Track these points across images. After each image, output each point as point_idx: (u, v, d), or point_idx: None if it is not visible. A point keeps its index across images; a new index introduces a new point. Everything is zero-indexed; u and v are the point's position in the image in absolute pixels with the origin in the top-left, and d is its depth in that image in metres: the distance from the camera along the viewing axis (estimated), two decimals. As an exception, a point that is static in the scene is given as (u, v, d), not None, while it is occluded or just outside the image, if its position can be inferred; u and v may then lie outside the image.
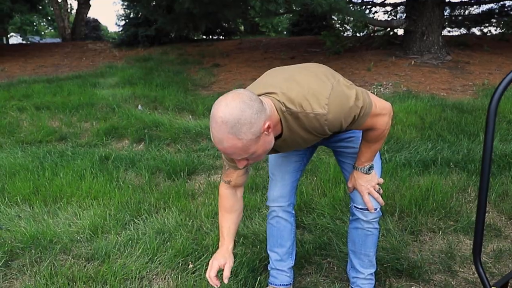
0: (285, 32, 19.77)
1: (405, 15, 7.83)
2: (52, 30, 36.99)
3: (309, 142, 1.45)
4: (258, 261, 2.12)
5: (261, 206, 2.76)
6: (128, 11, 12.54)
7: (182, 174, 3.40)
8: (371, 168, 1.63)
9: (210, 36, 13.94)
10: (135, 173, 3.53)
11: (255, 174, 3.37)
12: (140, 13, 11.51)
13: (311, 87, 1.31)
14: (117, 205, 2.84)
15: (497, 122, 4.24)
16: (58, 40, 21.95)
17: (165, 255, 2.23)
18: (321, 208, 2.68)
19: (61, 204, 2.89)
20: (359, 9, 7.63)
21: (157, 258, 2.21)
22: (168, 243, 2.35)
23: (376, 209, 1.67)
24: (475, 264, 1.07)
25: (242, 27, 18.61)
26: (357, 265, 1.85)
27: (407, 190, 2.90)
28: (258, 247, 2.27)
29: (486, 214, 2.63)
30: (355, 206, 1.72)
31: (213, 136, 1.20)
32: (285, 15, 14.05)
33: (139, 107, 5.60)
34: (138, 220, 2.66)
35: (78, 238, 2.46)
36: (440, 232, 2.43)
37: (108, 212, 2.72)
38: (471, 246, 2.30)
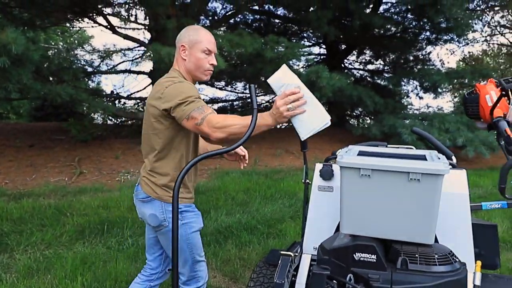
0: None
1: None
2: None
3: None
4: None
5: None
6: None
7: None
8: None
9: None
10: None
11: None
12: None
13: None
14: None
15: (224, 199, 4.98)
16: None
17: None
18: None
19: None
20: (104, 101, 7.80)
21: None
22: None
23: None
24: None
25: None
26: None
27: (148, 271, 2.98)
28: None
29: (214, 279, 2.98)
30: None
31: (209, 35, 1.93)
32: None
33: None
34: None
35: None
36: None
37: None
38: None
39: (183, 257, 1.88)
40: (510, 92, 2.09)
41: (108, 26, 8.05)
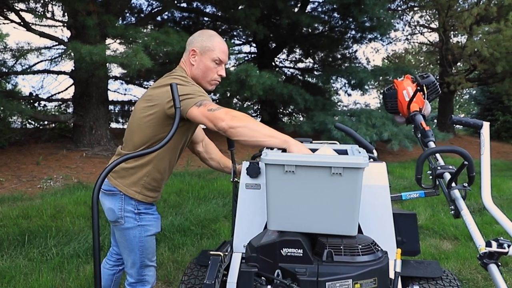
0: None
1: (73, 110, 8.00)
2: None
3: None
4: None
5: None
6: None
7: None
8: None
9: None
10: None
11: None
12: None
13: None
14: None
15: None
16: None
17: None
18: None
19: None
20: (21, 104, 7.18)
21: None
22: None
23: None
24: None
25: None
26: None
27: (74, 281, 2.84)
28: None
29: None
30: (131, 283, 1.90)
31: (223, 44, 1.90)
32: None
33: None
34: None
35: None
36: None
37: None
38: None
39: (132, 259, 1.85)
40: (425, 87, 2.22)
41: (22, 23, 7.42)
